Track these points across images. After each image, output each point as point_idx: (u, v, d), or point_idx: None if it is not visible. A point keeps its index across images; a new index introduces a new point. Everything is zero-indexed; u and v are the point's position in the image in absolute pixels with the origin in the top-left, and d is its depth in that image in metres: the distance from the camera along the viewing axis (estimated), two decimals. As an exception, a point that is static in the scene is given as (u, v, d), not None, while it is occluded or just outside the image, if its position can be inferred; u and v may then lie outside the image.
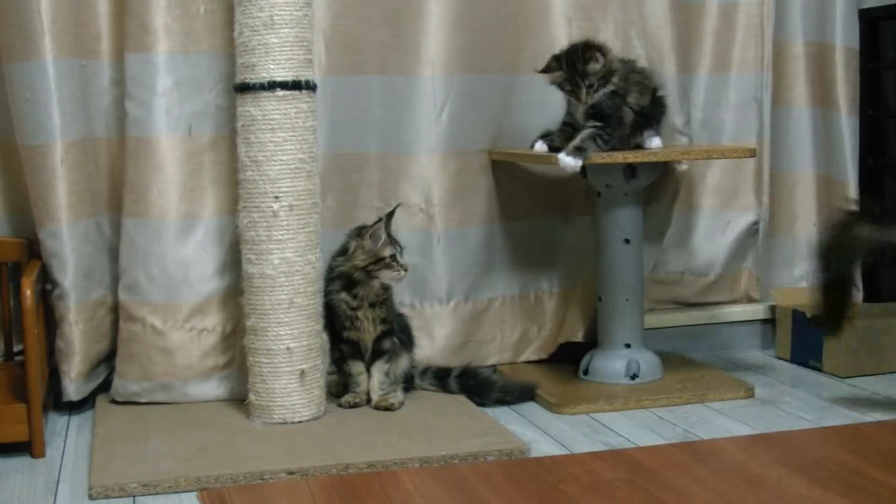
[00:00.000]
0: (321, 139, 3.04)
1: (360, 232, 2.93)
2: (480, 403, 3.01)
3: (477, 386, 3.07)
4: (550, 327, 3.41)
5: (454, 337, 3.27)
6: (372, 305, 2.95)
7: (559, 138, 3.03)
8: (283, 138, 2.78)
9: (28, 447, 2.67)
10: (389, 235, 2.92)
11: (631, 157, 2.95)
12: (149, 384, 3.00)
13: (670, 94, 3.39)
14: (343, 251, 2.96)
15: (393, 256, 2.90)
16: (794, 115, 3.66)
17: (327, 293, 2.96)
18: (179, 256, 3.00)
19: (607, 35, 3.35)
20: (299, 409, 2.84)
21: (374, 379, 2.97)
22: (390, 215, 2.95)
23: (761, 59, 3.54)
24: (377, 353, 2.98)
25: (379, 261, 2.89)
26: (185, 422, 2.86)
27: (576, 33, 3.31)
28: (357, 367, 2.97)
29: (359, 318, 2.95)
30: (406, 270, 2.93)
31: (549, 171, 3.35)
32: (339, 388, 3.03)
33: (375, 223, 2.90)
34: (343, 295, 2.94)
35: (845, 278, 2.95)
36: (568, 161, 2.87)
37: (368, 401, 2.97)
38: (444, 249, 3.23)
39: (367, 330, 2.96)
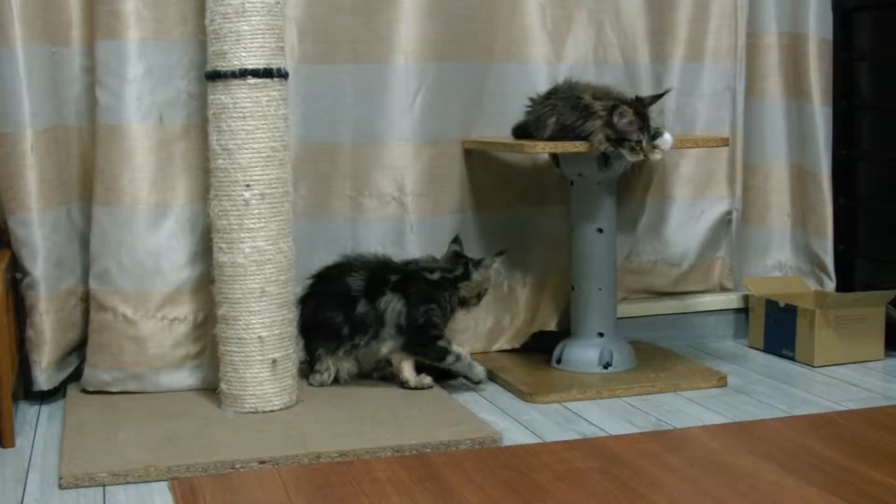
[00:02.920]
0: (293, 128, 3.03)
1: (478, 262, 3.09)
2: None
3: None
4: (523, 316, 3.41)
5: (427, 326, 3.27)
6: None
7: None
8: (254, 126, 2.76)
9: (-3, 437, 2.66)
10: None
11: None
12: (120, 373, 2.98)
13: (644, 83, 3.40)
14: (465, 276, 3.06)
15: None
16: (767, 105, 3.67)
17: (437, 300, 3.04)
18: (150, 245, 2.98)
19: (580, 24, 3.35)
20: (271, 398, 2.83)
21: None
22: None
23: (735, 49, 3.54)
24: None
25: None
26: (156, 411, 2.84)
27: (549, 22, 3.31)
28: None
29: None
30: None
31: (522, 160, 3.35)
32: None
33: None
34: (453, 305, 3.08)
35: None
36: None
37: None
38: (417, 238, 3.22)
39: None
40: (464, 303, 3.09)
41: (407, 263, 3.10)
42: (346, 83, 3.17)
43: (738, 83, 3.56)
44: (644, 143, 2.91)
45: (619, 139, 2.90)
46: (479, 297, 3.11)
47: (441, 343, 3.03)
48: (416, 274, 3.05)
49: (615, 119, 2.88)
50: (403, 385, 3.03)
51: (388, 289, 3.01)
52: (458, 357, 3.06)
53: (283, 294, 2.84)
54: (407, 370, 3.04)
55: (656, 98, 3.01)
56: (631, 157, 2.93)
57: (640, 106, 2.93)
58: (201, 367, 3.03)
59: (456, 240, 3.15)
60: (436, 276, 3.05)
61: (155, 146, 2.97)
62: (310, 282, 3.08)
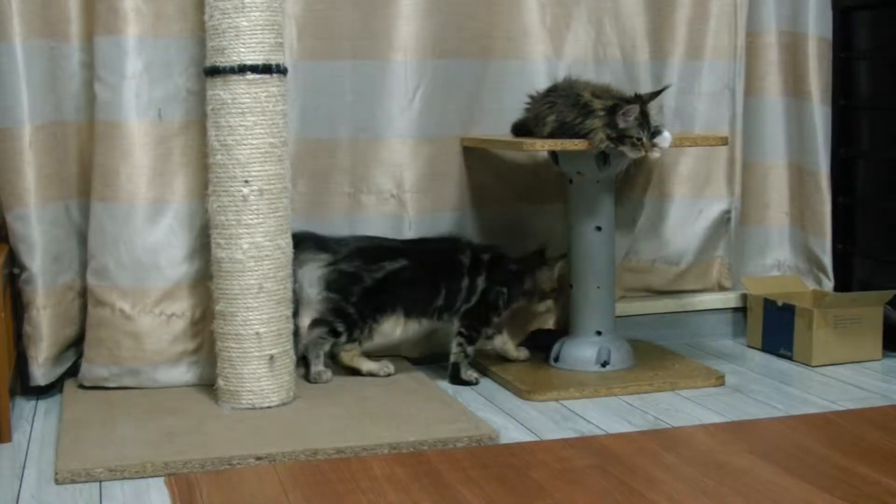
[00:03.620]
0: (292, 124, 3.03)
1: (545, 261, 3.23)
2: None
3: None
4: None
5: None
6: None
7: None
8: (253, 122, 2.76)
9: (-6, 432, 2.66)
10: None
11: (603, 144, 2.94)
12: (117, 369, 2.98)
13: (643, 81, 3.40)
14: (522, 274, 3.20)
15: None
16: (766, 104, 3.66)
17: (510, 285, 3.17)
18: (148, 241, 2.98)
19: (580, 22, 3.35)
20: (268, 394, 2.83)
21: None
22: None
23: (734, 48, 3.54)
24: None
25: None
26: (154, 407, 2.84)
27: (549, 20, 3.31)
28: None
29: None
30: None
31: (522, 158, 3.34)
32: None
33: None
34: (516, 295, 3.20)
35: None
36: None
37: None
38: (416, 235, 3.22)
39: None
40: (527, 294, 3.22)
41: (490, 246, 3.24)
42: (345, 80, 3.16)
43: (737, 82, 3.55)
44: (644, 140, 2.91)
45: (619, 137, 2.89)
46: (542, 295, 3.25)
47: (485, 331, 3.16)
48: (503, 259, 3.18)
49: (619, 121, 2.87)
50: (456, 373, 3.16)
51: (483, 268, 3.13)
52: (472, 353, 3.15)
53: (280, 290, 2.83)
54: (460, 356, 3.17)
55: (655, 94, 3.01)
56: (632, 154, 2.93)
57: (640, 103, 2.93)
58: (199, 363, 3.02)
59: (542, 249, 3.26)
60: (514, 266, 3.19)
61: (153, 142, 2.97)
62: (407, 244, 3.17)
